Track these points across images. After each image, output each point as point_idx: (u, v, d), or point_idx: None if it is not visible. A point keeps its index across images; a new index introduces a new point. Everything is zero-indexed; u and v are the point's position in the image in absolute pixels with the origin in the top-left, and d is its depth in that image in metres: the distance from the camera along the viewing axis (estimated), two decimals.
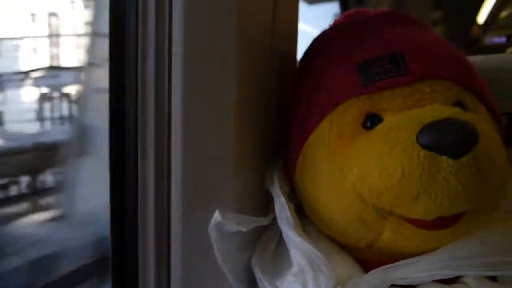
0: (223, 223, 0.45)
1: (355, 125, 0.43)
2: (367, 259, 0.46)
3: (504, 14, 6.73)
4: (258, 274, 0.47)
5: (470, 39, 6.82)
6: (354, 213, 0.42)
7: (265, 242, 0.51)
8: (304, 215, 0.50)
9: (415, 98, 0.42)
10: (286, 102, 0.53)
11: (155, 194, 0.50)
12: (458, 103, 0.43)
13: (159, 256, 0.50)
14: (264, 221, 0.49)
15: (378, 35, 0.46)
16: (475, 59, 0.60)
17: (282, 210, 0.47)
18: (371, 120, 0.43)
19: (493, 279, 0.43)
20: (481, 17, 6.64)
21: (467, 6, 3.64)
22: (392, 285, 0.42)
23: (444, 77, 0.43)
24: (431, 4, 3.41)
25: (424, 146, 0.37)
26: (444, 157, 0.36)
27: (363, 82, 0.43)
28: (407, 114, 0.41)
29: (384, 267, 0.43)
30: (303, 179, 0.48)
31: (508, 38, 8.47)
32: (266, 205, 0.51)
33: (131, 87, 0.49)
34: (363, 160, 0.41)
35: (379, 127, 0.42)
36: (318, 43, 0.52)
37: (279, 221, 0.47)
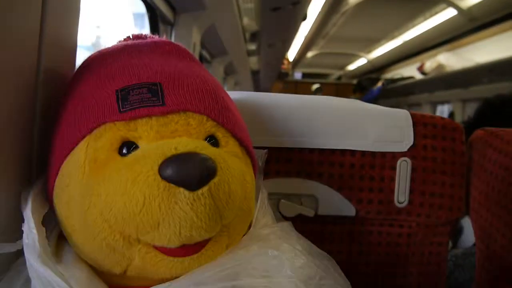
0: None
1: (111, 151, 0.43)
2: (124, 287, 0.46)
3: (310, 54, 7.68)
4: None
5: (280, 71, 7.65)
6: (102, 240, 0.41)
7: (15, 271, 0.46)
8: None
9: (169, 129, 0.43)
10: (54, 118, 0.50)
11: None
12: (211, 137, 0.46)
13: None
14: (8, 247, 0.44)
15: (143, 64, 0.47)
16: (240, 96, 0.65)
17: (29, 235, 0.43)
18: (128, 147, 0.43)
19: None
20: (291, 54, 7.49)
21: (277, 43, 4.02)
22: None
23: (198, 111, 0.45)
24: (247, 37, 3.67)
25: (164, 178, 0.38)
26: (181, 188, 0.38)
27: (120, 109, 0.43)
28: (155, 145, 0.42)
29: None
30: (59, 202, 0.45)
31: (303, 75, 9.94)
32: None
33: None
34: (110, 187, 0.40)
35: (130, 155, 0.42)
36: (90, 62, 0.50)
37: (25, 248, 0.43)
